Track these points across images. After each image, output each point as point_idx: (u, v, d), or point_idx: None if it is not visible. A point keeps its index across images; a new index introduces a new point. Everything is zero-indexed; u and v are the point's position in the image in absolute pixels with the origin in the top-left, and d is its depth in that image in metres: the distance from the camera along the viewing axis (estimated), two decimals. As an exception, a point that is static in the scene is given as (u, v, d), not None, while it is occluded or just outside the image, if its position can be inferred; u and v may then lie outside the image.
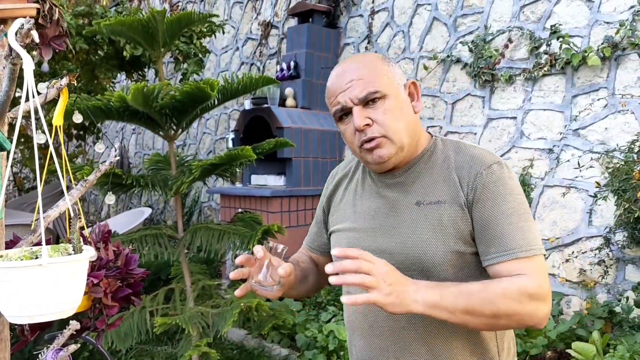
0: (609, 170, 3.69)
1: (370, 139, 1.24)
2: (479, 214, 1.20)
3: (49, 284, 0.99)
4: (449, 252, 1.21)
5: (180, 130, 3.30)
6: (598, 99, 3.81)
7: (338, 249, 1.07)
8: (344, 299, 1.04)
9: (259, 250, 1.20)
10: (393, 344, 1.26)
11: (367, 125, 1.23)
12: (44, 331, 1.37)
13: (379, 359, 1.29)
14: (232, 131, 6.33)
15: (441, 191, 1.24)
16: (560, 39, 3.92)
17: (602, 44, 3.77)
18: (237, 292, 1.23)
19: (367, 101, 1.23)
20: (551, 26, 4.03)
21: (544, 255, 1.20)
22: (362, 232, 1.32)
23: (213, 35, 5.28)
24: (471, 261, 1.22)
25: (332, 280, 1.04)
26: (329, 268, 1.04)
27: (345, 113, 1.27)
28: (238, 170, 3.43)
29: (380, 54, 1.34)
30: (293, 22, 6.05)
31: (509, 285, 1.11)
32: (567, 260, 3.86)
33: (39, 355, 1.24)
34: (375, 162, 1.26)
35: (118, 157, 1.38)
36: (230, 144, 5.97)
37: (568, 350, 3.11)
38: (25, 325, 1.29)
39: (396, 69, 1.29)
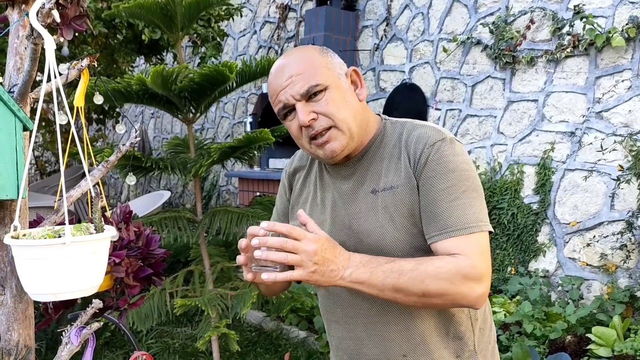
0: (633, 154, 3.63)
1: (319, 133, 1.22)
2: (422, 192, 1.19)
3: (71, 262, 1.00)
4: (408, 236, 1.20)
5: (198, 113, 3.31)
6: (622, 81, 3.73)
7: (266, 223, 1.06)
8: (264, 276, 1.05)
9: (255, 230, 1.12)
10: (372, 334, 1.27)
11: (313, 119, 1.21)
12: (68, 310, 1.39)
13: (360, 350, 1.29)
14: (249, 115, 6.34)
15: (394, 176, 1.23)
16: (584, 20, 3.84)
17: (626, 24, 3.69)
18: (247, 277, 1.18)
19: (310, 95, 1.21)
20: (574, 6, 3.95)
21: (489, 231, 1.17)
22: (324, 226, 1.30)
23: (231, 19, 5.27)
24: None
25: (257, 253, 1.04)
26: (254, 241, 1.04)
27: (289, 110, 1.24)
28: (256, 154, 3.44)
29: (317, 46, 1.30)
30: (311, 4, 6.01)
31: (443, 265, 1.10)
32: (587, 245, 3.81)
33: (63, 333, 1.25)
34: (327, 157, 1.24)
35: (139, 138, 1.39)
36: (248, 128, 5.98)
37: (588, 335, 3.09)
38: (49, 303, 1.31)
39: (335, 59, 1.27)
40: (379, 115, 1.35)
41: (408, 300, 1.11)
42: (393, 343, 1.25)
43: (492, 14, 4.52)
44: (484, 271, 1.13)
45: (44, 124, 6.92)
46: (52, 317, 1.37)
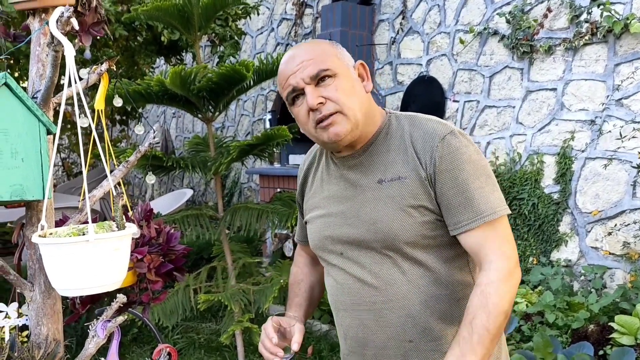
0: (654, 141, 3.60)
1: (325, 117, 1.25)
2: (441, 186, 1.23)
3: (95, 259, 1.05)
4: (415, 224, 1.24)
5: (217, 112, 3.36)
6: (641, 67, 3.69)
7: None
8: None
9: (274, 337, 1.35)
10: (378, 321, 1.31)
11: (321, 103, 1.24)
12: (95, 305, 1.45)
13: (368, 337, 1.33)
14: (269, 112, 6.38)
15: (401, 167, 1.27)
16: (602, 7, 3.80)
17: (645, 10, 3.65)
18: None
19: (319, 80, 1.25)
20: (592, -7, 3.92)
21: (507, 214, 1.26)
22: (331, 217, 1.36)
23: (248, 17, 5.32)
24: (438, 233, 1.26)
25: None
26: None
27: (297, 95, 1.28)
28: (275, 150, 3.48)
29: (327, 40, 1.36)
30: (327, 0, 6.03)
31: (494, 288, 1.17)
32: (609, 234, 3.79)
33: (89, 326, 1.31)
34: (331, 140, 1.27)
35: (157, 139, 1.44)
36: (268, 125, 6.03)
37: (611, 324, 3.07)
38: (77, 298, 1.37)
39: (345, 52, 1.32)
40: (384, 109, 1.39)
41: (502, 328, 1.18)
42: (399, 329, 1.29)
43: (508, 3, 4.50)
44: (513, 254, 1.22)
45: (69, 126, 7.06)
46: (79, 312, 1.43)
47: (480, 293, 1.18)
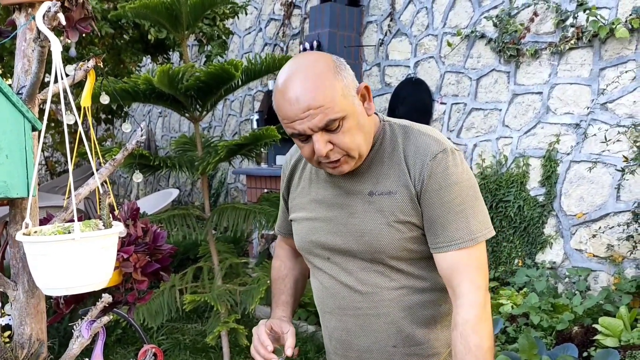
0: (637, 144, 3.63)
1: (333, 162, 1.23)
2: (425, 204, 1.23)
3: (81, 257, 1.03)
4: (401, 240, 1.25)
5: (205, 111, 3.33)
6: (626, 71, 3.73)
7: None
8: None
9: (269, 345, 1.35)
10: (363, 326, 1.31)
11: (330, 150, 1.21)
12: (79, 305, 1.43)
13: (352, 340, 1.34)
14: (256, 112, 6.37)
15: (392, 181, 1.26)
16: (587, 11, 3.84)
17: (630, 15, 3.68)
18: None
19: (327, 127, 1.18)
20: (578, -2, 3.95)
21: (492, 235, 1.27)
22: (318, 222, 1.34)
23: (236, 17, 5.29)
24: (424, 248, 1.27)
25: None
26: None
27: (304, 136, 1.22)
28: (263, 151, 3.46)
29: (330, 59, 1.22)
30: (315, 1, 6.03)
31: (472, 331, 1.18)
32: (594, 236, 3.82)
33: (74, 327, 1.29)
34: (334, 174, 1.29)
35: (145, 137, 1.42)
36: (255, 125, 6.01)
37: (595, 326, 3.10)
38: (60, 298, 1.34)
39: (348, 78, 1.21)
40: (376, 114, 1.35)
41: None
42: (383, 334, 1.30)
43: (495, 7, 4.52)
44: (483, 283, 1.22)
45: (53, 124, 6.98)
46: (63, 312, 1.41)
47: (460, 336, 1.18)
